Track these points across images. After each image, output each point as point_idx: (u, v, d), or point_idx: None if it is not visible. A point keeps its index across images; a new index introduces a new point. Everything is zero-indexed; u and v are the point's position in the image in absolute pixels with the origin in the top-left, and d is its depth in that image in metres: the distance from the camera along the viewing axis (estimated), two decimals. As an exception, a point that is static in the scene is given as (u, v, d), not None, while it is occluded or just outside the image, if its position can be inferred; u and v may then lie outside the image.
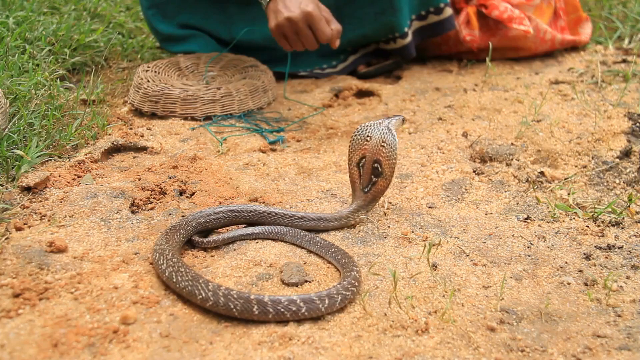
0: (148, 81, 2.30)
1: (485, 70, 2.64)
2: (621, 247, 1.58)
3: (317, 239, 1.56)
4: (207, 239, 1.57)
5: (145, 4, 2.61)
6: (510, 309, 1.35)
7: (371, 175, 1.65)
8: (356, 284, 1.38)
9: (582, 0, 3.13)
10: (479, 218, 1.72)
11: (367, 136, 1.65)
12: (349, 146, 1.68)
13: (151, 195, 1.78)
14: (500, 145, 2.08)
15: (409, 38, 2.58)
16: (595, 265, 1.52)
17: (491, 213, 1.75)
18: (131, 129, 2.16)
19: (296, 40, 2.12)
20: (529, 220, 1.71)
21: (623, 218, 1.71)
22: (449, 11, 2.58)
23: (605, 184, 1.90)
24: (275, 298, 1.30)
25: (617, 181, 1.91)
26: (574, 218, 1.72)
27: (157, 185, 1.81)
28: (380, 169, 1.64)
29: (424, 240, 1.61)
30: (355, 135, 1.67)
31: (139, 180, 1.83)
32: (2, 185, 1.74)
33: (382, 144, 1.64)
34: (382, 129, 1.65)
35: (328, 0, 2.45)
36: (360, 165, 1.66)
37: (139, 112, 2.29)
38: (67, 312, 1.30)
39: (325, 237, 1.61)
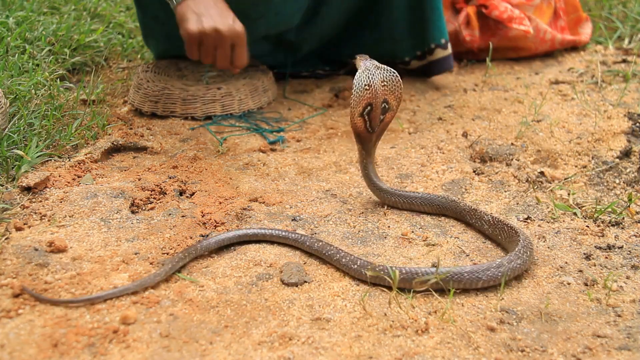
0: (148, 81, 2.30)
1: (485, 70, 2.64)
2: (621, 247, 1.58)
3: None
4: None
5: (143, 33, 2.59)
6: (510, 309, 1.36)
7: (380, 115, 1.67)
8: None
9: (582, 0, 3.13)
10: (479, 218, 1.72)
11: (366, 85, 1.65)
12: (352, 101, 1.67)
13: (151, 195, 1.78)
14: (500, 145, 2.08)
15: (412, 66, 2.55)
16: (595, 265, 1.52)
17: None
18: (131, 129, 2.16)
19: (211, 53, 1.93)
20: (529, 220, 1.71)
21: (623, 218, 1.71)
22: (440, 53, 2.46)
23: (605, 184, 1.90)
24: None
25: (617, 181, 1.91)
26: (574, 218, 1.72)
27: (157, 185, 1.81)
28: (388, 106, 1.67)
29: (424, 240, 1.61)
30: (355, 90, 1.66)
31: (139, 180, 1.83)
32: (2, 185, 1.74)
33: (383, 83, 1.65)
34: (374, 71, 1.65)
35: (337, 22, 2.46)
36: (366, 113, 1.66)
37: (139, 112, 2.29)
38: (67, 312, 1.30)
39: (324, 236, 1.62)
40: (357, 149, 1.75)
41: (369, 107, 1.65)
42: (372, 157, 1.74)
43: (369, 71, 1.66)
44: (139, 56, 2.84)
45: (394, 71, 1.68)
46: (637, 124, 2.17)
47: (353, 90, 1.66)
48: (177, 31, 2.05)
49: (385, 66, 1.68)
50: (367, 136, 1.70)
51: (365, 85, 1.65)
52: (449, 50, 2.49)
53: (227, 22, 1.90)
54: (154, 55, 2.59)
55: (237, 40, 1.91)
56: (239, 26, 1.92)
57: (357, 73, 1.68)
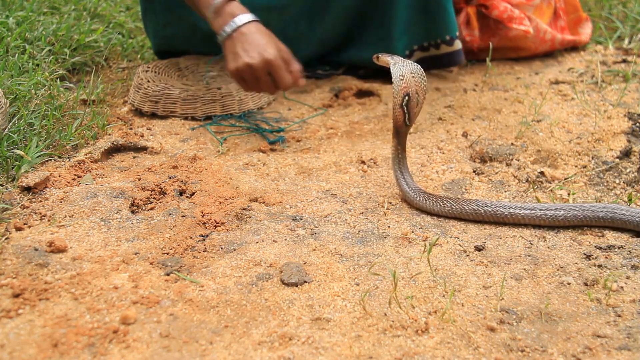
0: (148, 81, 2.30)
1: (485, 70, 2.64)
2: (621, 247, 1.59)
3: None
4: None
5: (154, 40, 2.61)
6: (510, 309, 1.36)
7: (415, 107, 1.74)
8: None
9: (582, 0, 3.12)
10: (479, 218, 1.72)
11: (400, 75, 1.73)
12: (393, 92, 1.74)
13: (151, 195, 1.78)
14: (500, 145, 2.08)
15: (414, 58, 2.58)
16: (595, 265, 1.52)
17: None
18: (131, 129, 2.16)
19: (255, 84, 2.04)
20: (529, 220, 1.71)
21: (623, 218, 1.71)
22: (444, 48, 2.52)
23: (605, 184, 1.90)
24: None
25: (617, 181, 1.91)
26: (574, 218, 1.72)
27: (157, 185, 1.81)
28: (418, 98, 1.74)
29: (424, 240, 1.61)
30: (394, 81, 1.74)
31: (139, 180, 1.83)
32: (2, 185, 1.74)
33: (412, 75, 1.73)
34: (402, 64, 1.75)
35: (341, 27, 2.46)
36: (405, 104, 1.73)
37: (139, 112, 2.29)
38: (67, 312, 1.30)
39: (324, 236, 1.62)
40: (392, 146, 1.81)
41: (406, 98, 1.72)
42: (405, 152, 1.82)
43: (398, 64, 1.75)
44: (139, 56, 2.84)
45: (418, 65, 1.76)
46: (637, 124, 2.17)
47: (393, 83, 1.74)
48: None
49: (409, 60, 1.77)
50: (404, 130, 1.78)
51: (399, 75, 1.73)
52: (452, 47, 2.52)
53: (257, 54, 1.98)
54: (150, 39, 2.62)
55: (271, 68, 1.98)
56: (269, 53, 1.98)
57: (391, 66, 1.77)
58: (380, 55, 1.83)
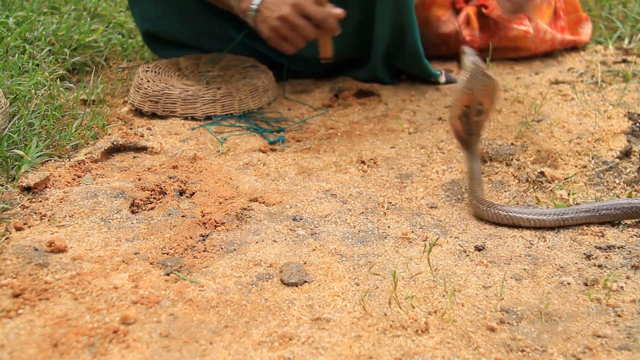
0: (148, 81, 2.30)
1: (485, 70, 2.64)
2: (621, 247, 1.59)
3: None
4: None
5: (142, 30, 2.59)
6: (510, 309, 1.36)
7: (475, 117, 1.69)
8: None
9: (582, 0, 3.12)
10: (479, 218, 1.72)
11: (468, 89, 1.67)
12: (452, 100, 1.71)
13: (151, 195, 1.78)
14: (500, 145, 2.08)
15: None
16: (595, 265, 1.52)
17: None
18: (131, 129, 2.16)
19: (296, 35, 2.07)
20: (529, 220, 1.71)
21: (623, 218, 1.71)
22: None
23: (605, 184, 1.90)
24: None
25: (617, 181, 1.91)
26: (574, 218, 1.72)
27: (157, 185, 1.81)
28: (482, 108, 1.69)
29: (424, 240, 1.61)
30: (460, 90, 1.70)
31: (139, 180, 1.83)
32: (2, 185, 1.74)
33: (484, 87, 1.67)
34: (476, 76, 1.67)
35: (348, 51, 2.47)
36: (464, 115, 1.69)
37: (139, 112, 2.29)
38: (67, 312, 1.30)
39: (324, 236, 1.62)
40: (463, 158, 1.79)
41: (467, 109, 1.69)
42: (478, 161, 1.78)
43: (473, 78, 1.67)
44: (138, 56, 2.84)
45: (493, 77, 1.69)
46: (637, 124, 2.17)
47: (455, 94, 1.71)
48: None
49: (488, 72, 1.70)
50: (467, 139, 1.75)
51: (468, 88, 1.67)
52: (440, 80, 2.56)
53: (283, 4, 2.03)
54: (138, 23, 2.60)
55: (301, 8, 2.02)
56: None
57: (460, 76, 1.70)
58: (463, 55, 1.74)
